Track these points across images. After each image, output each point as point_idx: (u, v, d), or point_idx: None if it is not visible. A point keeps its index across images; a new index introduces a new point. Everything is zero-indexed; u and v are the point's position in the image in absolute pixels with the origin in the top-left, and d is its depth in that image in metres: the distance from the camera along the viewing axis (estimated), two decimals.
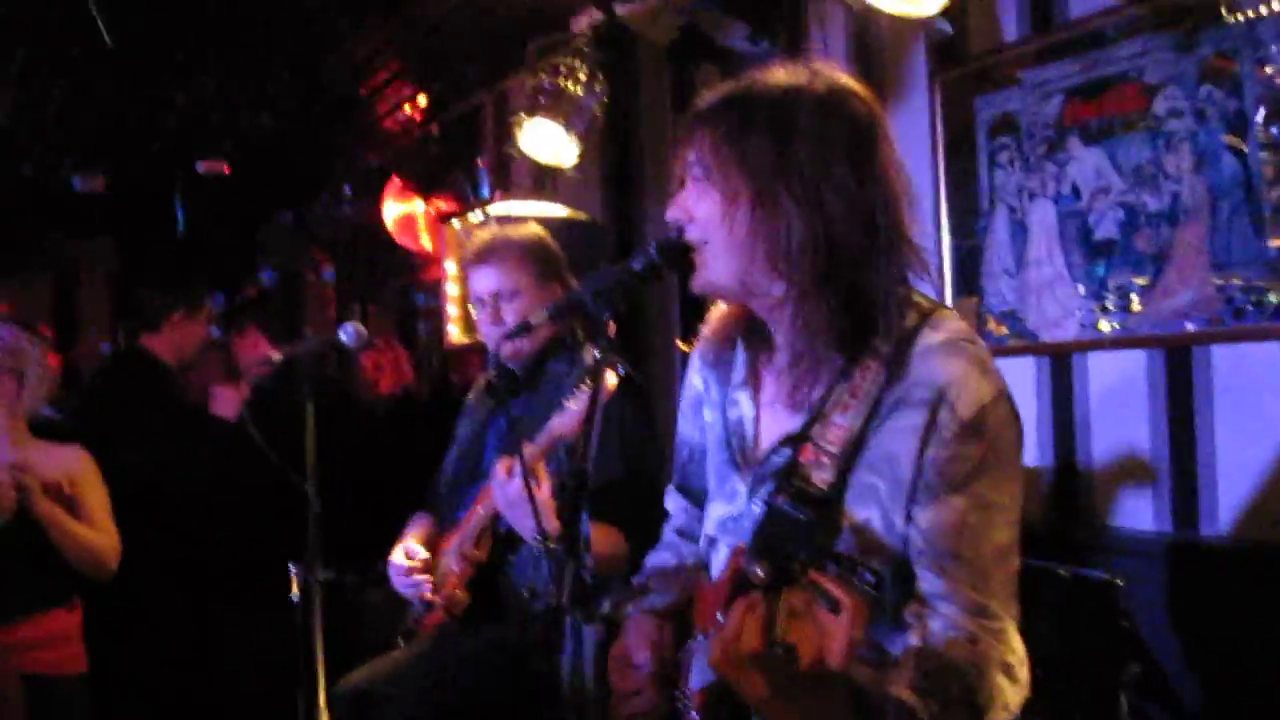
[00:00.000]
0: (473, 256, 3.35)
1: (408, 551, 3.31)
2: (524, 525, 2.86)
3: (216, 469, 4.50)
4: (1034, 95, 3.47)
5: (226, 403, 4.62)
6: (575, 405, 2.80)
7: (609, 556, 2.91)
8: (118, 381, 4.89)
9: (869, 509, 1.75)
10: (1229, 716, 2.98)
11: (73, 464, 3.75)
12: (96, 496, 3.77)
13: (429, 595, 3.24)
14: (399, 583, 3.31)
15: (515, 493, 2.79)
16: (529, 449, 2.84)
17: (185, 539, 4.46)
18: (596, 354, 1.81)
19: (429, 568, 3.28)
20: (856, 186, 1.76)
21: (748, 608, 1.56)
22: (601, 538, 2.90)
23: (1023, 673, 1.72)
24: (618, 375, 2.67)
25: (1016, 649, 1.72)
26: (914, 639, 1.70)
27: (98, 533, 3.73)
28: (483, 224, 3.64)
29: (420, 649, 3.22)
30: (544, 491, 2.74)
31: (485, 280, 3.32)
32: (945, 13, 3.46)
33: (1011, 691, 1.70)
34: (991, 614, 1.70)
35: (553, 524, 1.65)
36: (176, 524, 4.43)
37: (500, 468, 2.86)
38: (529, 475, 2.69)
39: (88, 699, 3.69)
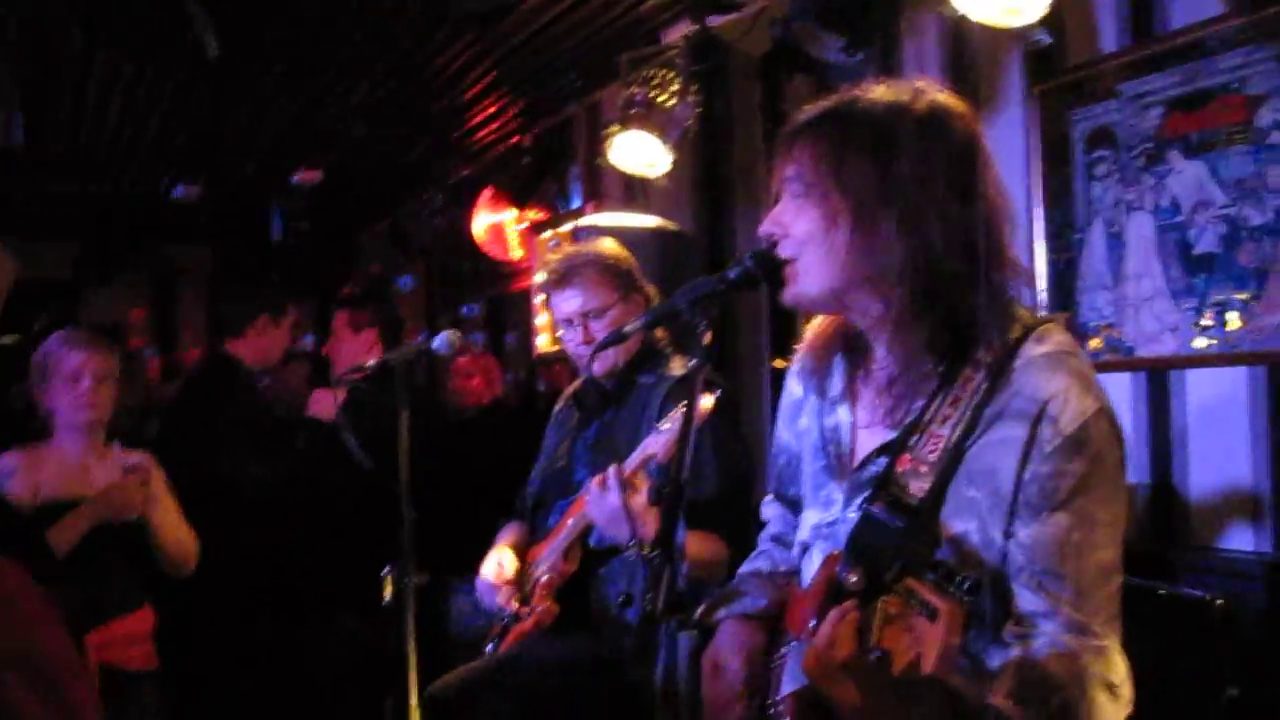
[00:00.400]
0: (554, 279, 3.35)
1: (500, 563, 3.34)
2: (621, 536, 2.88)
3: (308, 472, 4.57)
4: (1133, 107, 3.43)
5: (323, 405, 4.67)
6: (668, 426, 2.81)
7: (710, 561, 2.93)
8: (204, 386, 4.99)
9: (967, 521, 1.73)
10: None
11: (149, 468, 3.84)
12: (170, 499, 3.86)
13: (518, 609, 3.27)
14: (486, 595, 3.34)
15: (612, 506, 2.81)
16: (625, 466, 2.85)
17: (271, 542, 4.54)
18: (692, 363, 1.82)
19: (518, 582, 3.31)
20: (957, 208, 1.75)
21: (841, 615, 1.56)
22: (702, 543, 2.92)
23: (1125, 691, 1.69)
24: (713, 395, 2.68)
25: (1119, 668, 1.69)
26: (1015, 652, 1.68)
27: (181, 530, 3.84)
28: (554, 246, 3.64)
29: (509, 655, 3.24)
30: (640, 499, 2.76)
31: (570, 301, 3.32)
32: (1043, 23, 3.42)
33: (1113, 710, 1.67)
34: (1093, 632, 1.68)
35: (649, 532, 1.66)
36: (261, 527, 4.50)
37: (595, 482, 2.88)
38: (625, 486, 2.71)
39: (158, 696, 3.77)
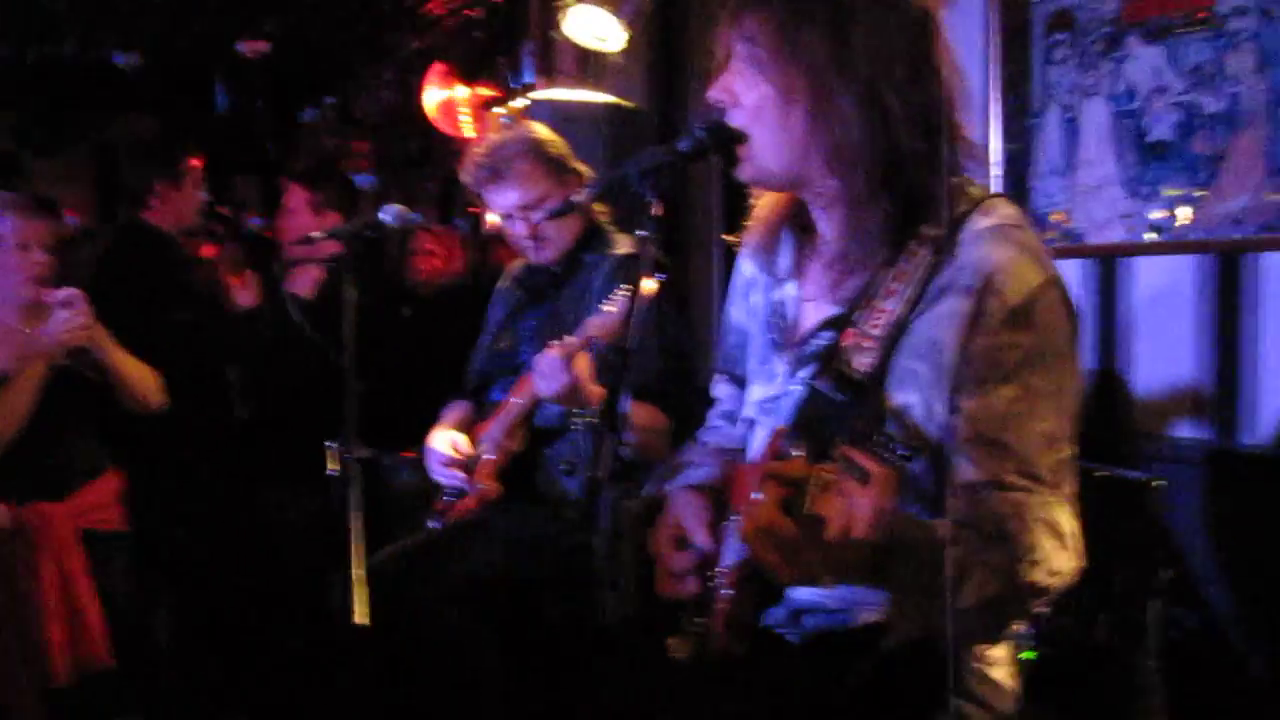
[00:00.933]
0: (485, 175, 3.26)
1: (453, 443, 3.32)
2: (570, 405, 2.90)
3: (261, 345, 4.52)
4: None
5: (304, 282, 4.59)
6: (611, 307, 2.78)
7: (649, 428, 2.93)
8: (120, 253, 4.84)
9: (910, 394, 1.73)
10: (1262, 626, 2.98)
11: (82, 296, 3.68)
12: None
13: (465, 488, 3.27)
14: (437, 471, 3.33)
15: (561, 377, 2.80)
16: (571, 340, 2.83)
17: (216, 409, 4.50)
18: (641, 235, 1.79)
19: (468, 464, 3.30)
20: (914, 85, 1.73)
21: (771, 480, 1.57)
22: (641, 411, 2.92)
23: (1075, 544, 1.70)
24: (656, 279, 2.66)
25: (1065, 518, 1.70)
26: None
27: (136, 362, 3.72)
28: (506, 123, 3.48)
29: (453, 528, 3.25)
30: (586, 370, 2.76)
31: (505, 196, 3.25)
32: None
33: (1060, 556, 1.68)
34: (1039, 486, 1.69)
35: (595, 403, 1.66)
36: (204, 394, 4.46)
37: (542, 356, 2.86)
38: (573, 358, 2.70)
39: (129, 558, 3.75)
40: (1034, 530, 1.65)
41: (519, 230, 3.27)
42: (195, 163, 4.80)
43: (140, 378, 3.71)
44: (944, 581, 1.57)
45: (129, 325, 3.95)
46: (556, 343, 2.84)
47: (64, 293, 3.50)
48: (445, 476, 3.30)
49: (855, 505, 1.39)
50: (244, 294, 4.87)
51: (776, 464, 1.57)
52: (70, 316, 3.46)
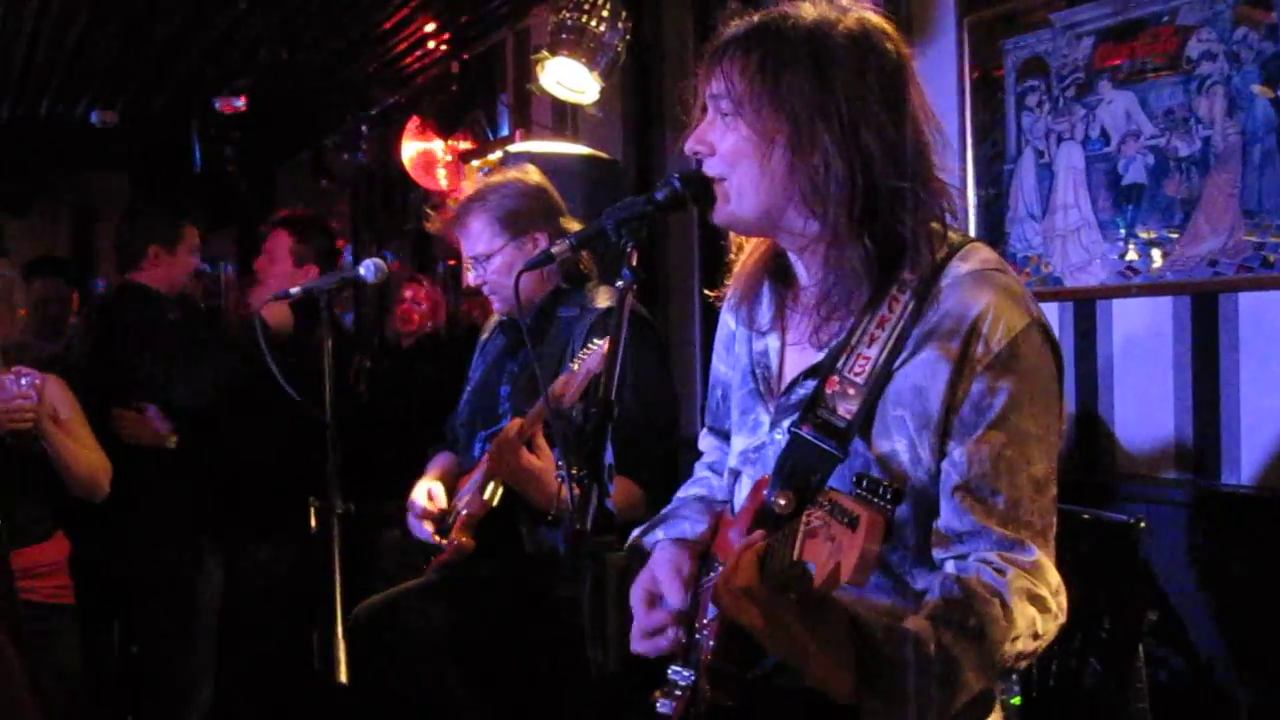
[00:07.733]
0: (453, 222, 3.32)
1: (429, 493, 3.31)
2: (537, 497, 2.95)
3: (237, 400, 4.48)
4: (1065, 37, 3.42)
5: (280, 314, 4.52)
6: (577, 366, 2.78)
7: (625, 505, 2.91)
8: (114, 311, 4.80)
9: (895, 441, 1.73)
10: (1247, 665, 2.98)
11: (55, 389, 3.69)
12: (80, 418, 3.72)
13: (437, 540, 3.24)
14: (413, 523, 3.31)
15: (520, 469, 2.88)
16: (528, 417, 2.92)
17: (196, 467, 4.45)
18: (619, 284, 1.78)
19: (443, 513, 3.28)
20: (893, 127, 1.74)
21: (748, 544, 1.56)
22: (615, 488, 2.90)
23: (1057, 602, 1.70)
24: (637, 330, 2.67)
25: (1050, 580, 1.69)
26: (946, 569, 1.69)
27: (91, 453, 3.70)
28: (485, 174, 3.54)
29: (434, 581, 3.22)
30: (539, 461, 2.88)
31: (467, 244, 3.31)
32: None
33: (1043, 621, 1.67)
34: (1023, 547, 1.68)
35: (548, 492, 1.65)
36: (184, 452, 4.41)
37: (496, 441, 2.93)
38: (532, 446, 2.81)
39: (77, 630, 3.68)
40: (1016, 609, 1.64)
41: (472, 278, 3.30)
42: (191, 230, 4.78)
43: (86, 469, 3.66)
44: (934, 693, 1.56)
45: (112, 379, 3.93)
46: (513, 425, 2.93)
47: (27, 374, 3.49)
48: (418, 530, 3.28)
49: (842, 549, 1.38)
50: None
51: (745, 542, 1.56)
52: (17, 396, 3.44)
